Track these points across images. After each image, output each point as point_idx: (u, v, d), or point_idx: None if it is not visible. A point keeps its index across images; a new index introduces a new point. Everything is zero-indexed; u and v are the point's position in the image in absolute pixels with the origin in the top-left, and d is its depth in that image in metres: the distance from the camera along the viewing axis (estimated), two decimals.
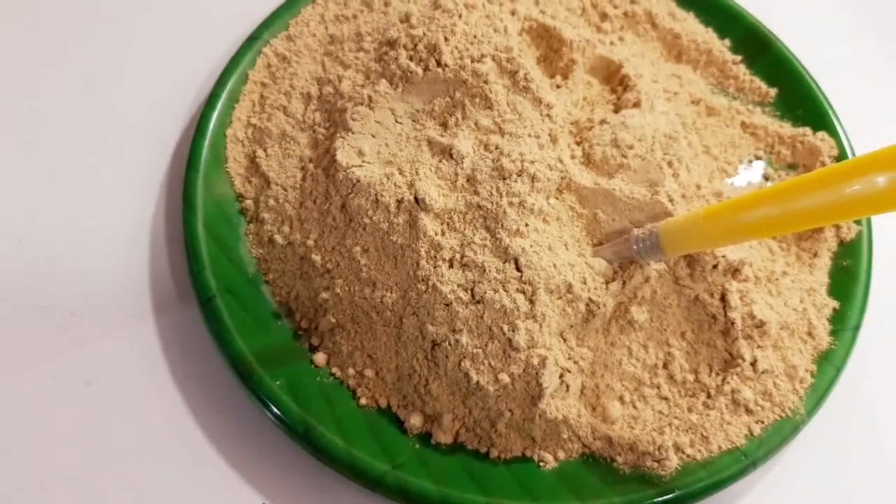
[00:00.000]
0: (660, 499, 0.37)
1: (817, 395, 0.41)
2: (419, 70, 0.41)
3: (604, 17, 0.50)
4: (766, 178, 0.49)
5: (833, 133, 0.49)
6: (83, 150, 0.45)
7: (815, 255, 0.45)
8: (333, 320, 0.39)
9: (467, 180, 0.39)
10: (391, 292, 0.38)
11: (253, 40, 0.47)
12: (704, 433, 0.39)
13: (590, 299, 0.38)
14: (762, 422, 0.39)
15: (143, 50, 0.50)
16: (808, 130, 0.49)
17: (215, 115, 0.44)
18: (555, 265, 0.37)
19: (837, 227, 0.46)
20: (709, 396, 0.40)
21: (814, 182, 0.31)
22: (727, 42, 0.53)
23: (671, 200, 0.39)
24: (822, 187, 0.31)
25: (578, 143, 0.42)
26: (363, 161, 0.40)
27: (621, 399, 0.39)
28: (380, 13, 0.47)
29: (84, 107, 0.47)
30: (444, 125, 0.41)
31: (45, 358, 0.39)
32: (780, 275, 0.43)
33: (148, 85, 0.48)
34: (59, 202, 0.44)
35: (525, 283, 0.36)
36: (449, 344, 0.37)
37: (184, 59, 0.49)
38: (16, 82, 0.47)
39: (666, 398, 0.40)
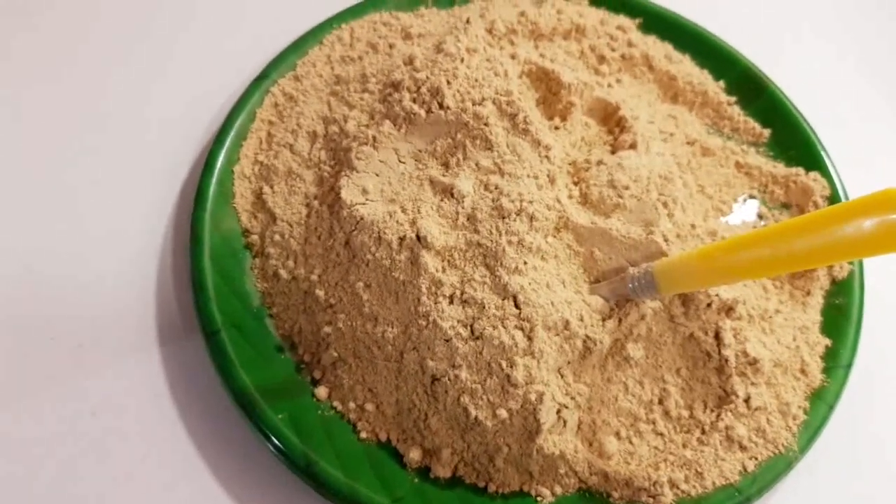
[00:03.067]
0: None
1: (810, 431, 0.41)
2: (422, 112, 0.42)
3: (601, 59, 0.52)
4: (761, 216, 0.50)
5: (825, 173, 0.50)
6: (94, 184, 0.47)
7: (808, 293, 0.46)
8: (335, 354, 0.40)
9: (468, 219, 0.40)
10: (392, 327, 0.39)
11: (261, 80, 0.49)
12: (699, 469, 0.39)
13: (587, 336, 0.38)
14: (756, 458, 0.40)
15: (154, 87, 0.51)
16: (800, 170, 0.50)
17: (223, 151, 0.45)
18: (552, 302, 0.38)
19: (830, 265, 0.47)
20: (703, 432, 0.40)
21: (803, 226, 0.32)
22: (722, 84, 0.54)
23: (666, 240, 0.40)
24: (812, 231, 0.32)
25: (576, 184, 0.43)
26: (367, 199, 0.41)
27: (617, 434, 0.40)
28: (384, 55, 0.49)
29: (95, 144, 0.48)
30: (446, 165, 0.42)
31: (52, 387, 0.40)
32: (773, 313, 0.44)
33: (158, 122, 0.50)
34: (68, 235, 0.45)
35: (523, 320, 0.37)
36: (448, 379, 0.38)
37: (194, 97, 0.51)
38: (25, 113, 0.48)
39: (661, 434, 0.40)
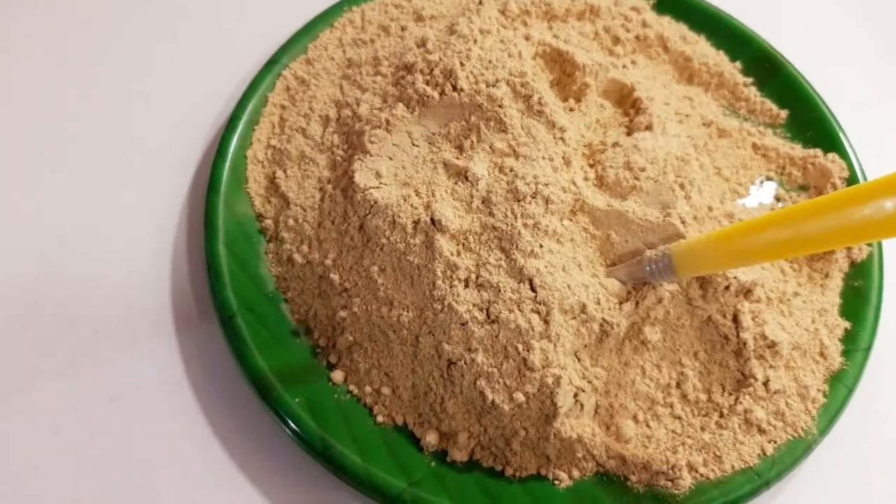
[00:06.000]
0: None
1: (829, 415, 0.41)
2: (435, 94, 0.42)
3: (616, 40, 0.51)
4: (778, 198, 0.49)
5: (843, 155, 0.50)
6: (107, 171, 0.47)
7: (827, 275, 0.46)
8: (351, 338, 0.40)
9: (482, 202, 0.39)
10: (408, 311, 0.39)
11: (272, 64, 0.48)
12: (717, 452, 0.39)
13: (603, 319, 0.38)
14: (775, 441, 0.40)
15: (164, 74, 0.51)
16: (818, 152, 0.50)
17: (236, 136, 0.45)
18: (569, 286, 0.38)
19: (848, 248, 0.46)
20: (721, 416, 0.40)
21: (823, 206, 0.32)
22: (738, 64, 0.54)
23: (683, 222, 0.40)
24: (831, 212, 0.31)
25: (591, 166, 0.43)
26: (381, 183, 0.41)
27: (635, 418, 0.40)
28: (397, 38, 0.49)
29: (108, 130, 0.48)
30: (460, 148, 0.41)
31: (70, 374, 0.40)
32: (791, 295, 0.43)
33: (170, 108, 0.49)
34: (83, 223, 0.45)
35: (539, 304, 0.37)
36: (464, 363, 0.37)
37: (205, 82, 0.51)
38: (40, 107, 0.49)
39: (679, 417, 0.40)
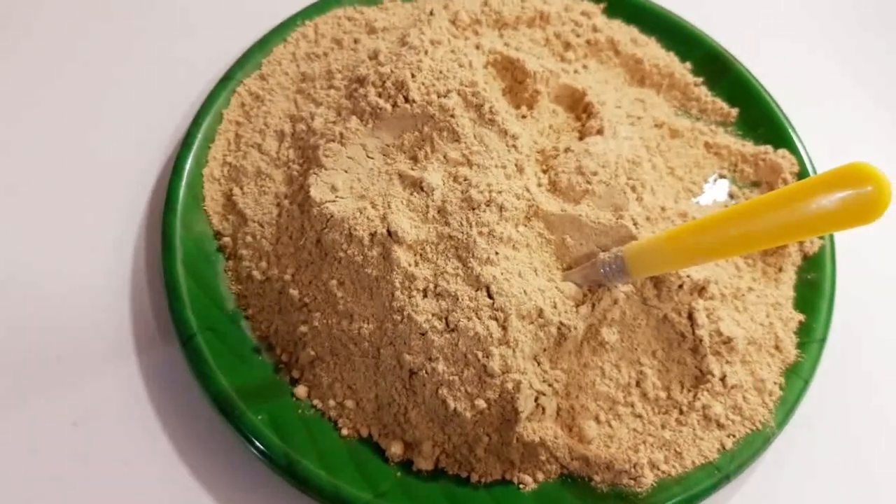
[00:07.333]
0: None
1: (786, 407, 0.42)
2: (388, 106, 0.42)
3: (567, 46, 0.52)
4: (732, 196, 0.50)
5: (793, 150, 0.51)
6: (62, 193, 0.46)
7: (780, 269, 0.47)
8: (313, 353, 0.40)
9: (438, 212, 0.40)
10: (368, 323, 0.39)
11: (226, 80, 0.48)
12: (678, 449, 0.40)
13: (561, 323, 0.39)
14: (734, 436, 0.40)
15: (118, 93, 0.51)
16: (769, 148, 0.51)
17: (191, 155, 0.45)
18: (525, 291, 0.38)
19: (801, 241, 0.47)
20: (681, 413, 0.41)
21: (769, 204, 0.32)
22: (688, 65, 0.55)
23: (635, 224, 0.40)
24: (778, 208, 0.32)
25: (545, 171, 0.43)
26: (336, 196, 0.41)
27: (596, 419, 0.40)
28: (350, 50, 0.49)
29: (61, 151, 0.48)
30: (414, 159, 0.42)
31: (32, 400, 0.40)
32: (745, 291, 0.44)
33: (124, 128, 0.49)
34: (39, 247, 0.44)
35: (497, 310, 0.37)
36: (426, 372, 0.38)
37: (159, 101, 0.50)
38: None
39: (640, 416, 0.41)
